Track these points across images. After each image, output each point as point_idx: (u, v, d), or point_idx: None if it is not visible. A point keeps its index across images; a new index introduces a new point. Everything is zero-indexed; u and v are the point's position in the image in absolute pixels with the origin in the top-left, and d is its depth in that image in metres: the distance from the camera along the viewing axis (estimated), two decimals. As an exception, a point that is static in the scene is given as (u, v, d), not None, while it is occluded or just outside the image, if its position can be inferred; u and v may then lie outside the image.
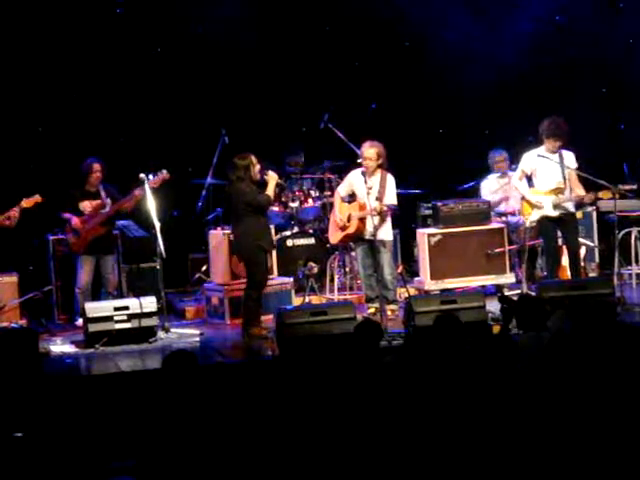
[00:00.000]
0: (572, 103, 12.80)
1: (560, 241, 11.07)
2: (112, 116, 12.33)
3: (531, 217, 10.93)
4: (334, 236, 11.15)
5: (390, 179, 10.81)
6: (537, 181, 10.84)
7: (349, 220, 10.88)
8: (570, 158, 10.76)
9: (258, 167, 10.32)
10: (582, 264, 11.08)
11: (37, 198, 10.65)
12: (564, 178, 10.70)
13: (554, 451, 5.90)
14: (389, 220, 10.84)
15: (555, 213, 10.75)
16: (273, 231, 11.32)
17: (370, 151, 10.71)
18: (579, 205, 11.21)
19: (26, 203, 10.61)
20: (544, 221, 10.83)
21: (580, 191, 10.75)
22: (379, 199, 10.65)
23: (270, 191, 10.33)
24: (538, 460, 5.88)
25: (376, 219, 10.54)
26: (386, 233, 10.80)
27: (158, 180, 10.74)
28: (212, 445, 6.02)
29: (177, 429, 6.04)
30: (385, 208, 10.64)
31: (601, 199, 10.86)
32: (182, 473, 5.93)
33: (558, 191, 10.72)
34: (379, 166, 10.77)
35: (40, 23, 12.04)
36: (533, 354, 6.68)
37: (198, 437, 6.01)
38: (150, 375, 8.71)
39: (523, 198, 10.95)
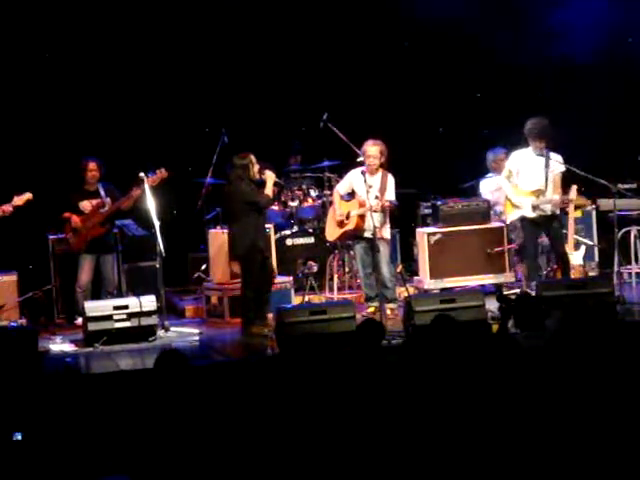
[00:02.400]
0: (572, 102, 12.81)
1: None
2: (112, 115, 12.33)
3: (511, 216, 11.04)
4: (331, 233, 11.14)
5: (390, 179, 10.82)
6: (520, 181, 10.87)
7: (348, 217, 10.89)
8: (557, 161, 10.76)
9: (257, 167, 10.35)
10: (582, 263, 11.08)
11: (28, 196, 10.66)
12: (546, 180, 10.73)
13: (553, 449, 5.90)
14: (388, 219, 10.85)
15: (533, 214, 10.81)
16: (272, 230, 11.35)
17: (373, 149, 10.72)
18: (577, 207, 11.30)
19: (18, 201, 10.62)
20: (524, 221, 10.93)
21: (556, 195, 10.76)
22: (379, 198, 10.65)
23: (269, 190, 10.36)
24: (537, 459, 5.88)
25: (376, 216, 10.53)
26: (385, 232, 10.80)
27: (156, 178, 10.76)
28: (210, 445, 6.02)
29: (175, 428, 6.05)
30: (387, 203, 10.64)
31: (570, 200, 10.85)
32: (179, 472, 5.94)
33: (538, 193, 10.76)
34: (380, 165, 10.78)
35: (40, 22, 12.05)
36: (531, 353, 6.68)
37: (196, 436, 6.02)
38: (149, 374, 8.70)
39: (506, 197, 11.02)
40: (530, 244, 10.91)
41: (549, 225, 10.82)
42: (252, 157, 10.34)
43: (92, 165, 10.98)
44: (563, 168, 10.75)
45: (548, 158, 10.71)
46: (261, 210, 10.39)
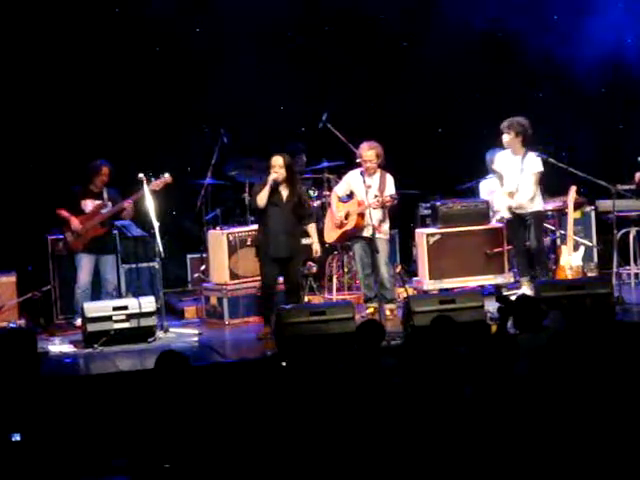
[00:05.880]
0: (571, 102, 12.81)
1: (558, 241, 11.18)
2: (111, 116, 12.32)
3: (496, 217, 11.34)
4: (330, 235, 11.15)
5: (389, 178, 10.83)
6: (503, 182, 10.95)
7: (347, 217, 10.89)
8: (532, 161, 10.75)
9: (279, 170, 10.27)
10: (580, 264, 11.07)
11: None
12: (517, 179, 10.81)
13: (553, 450, 5.90)
14: (387, 219, 10.84)
15: (507, 215, 10.99)
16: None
17: (369, 153, 10.71)
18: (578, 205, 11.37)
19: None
20: (507, 222, 11.10)
21: (527, 195, 10.80)
22: (378, 196, 10.65)
23: (262, 193, 10.23)
24: (537, 459, 5.88)
25: (375, 213, 10.53)
26: (383, 230, 10.80)
27: (160, 183, 10.80)
28: (209, 445, 6.02)
29: (175, 428, 6.05)
30: (387, 198, 10.63)
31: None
32: (180, 472, 5.94)
33: (512, 195, 10.87)
34: (378, 165, 10.79)
35: (42, 24, 12.04)
36: (530, 354, 6.68)
37: (196, 437, 6.02)
38: (149, 375, 8.70)
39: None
40: (520, 243, 10.94)
41: (526, 225, 10.85)
42: (273, 159, 10.24)
43: (106, 169, 10.99)
44: (538, 169, 10.73)
45: (524, 158, 10.75)
46: (259, 213, 10.38)
